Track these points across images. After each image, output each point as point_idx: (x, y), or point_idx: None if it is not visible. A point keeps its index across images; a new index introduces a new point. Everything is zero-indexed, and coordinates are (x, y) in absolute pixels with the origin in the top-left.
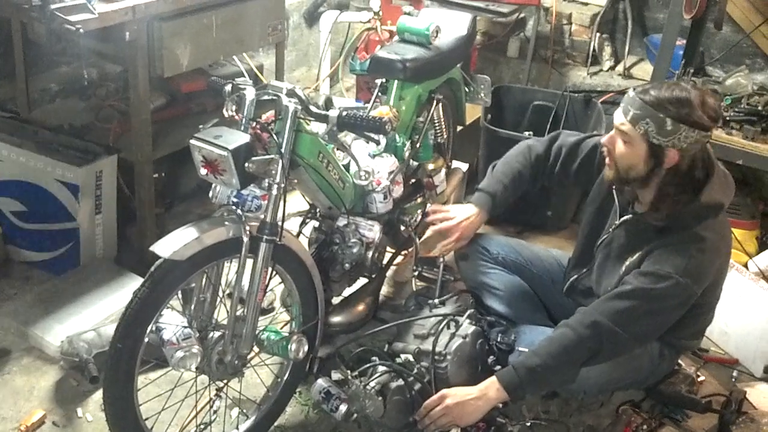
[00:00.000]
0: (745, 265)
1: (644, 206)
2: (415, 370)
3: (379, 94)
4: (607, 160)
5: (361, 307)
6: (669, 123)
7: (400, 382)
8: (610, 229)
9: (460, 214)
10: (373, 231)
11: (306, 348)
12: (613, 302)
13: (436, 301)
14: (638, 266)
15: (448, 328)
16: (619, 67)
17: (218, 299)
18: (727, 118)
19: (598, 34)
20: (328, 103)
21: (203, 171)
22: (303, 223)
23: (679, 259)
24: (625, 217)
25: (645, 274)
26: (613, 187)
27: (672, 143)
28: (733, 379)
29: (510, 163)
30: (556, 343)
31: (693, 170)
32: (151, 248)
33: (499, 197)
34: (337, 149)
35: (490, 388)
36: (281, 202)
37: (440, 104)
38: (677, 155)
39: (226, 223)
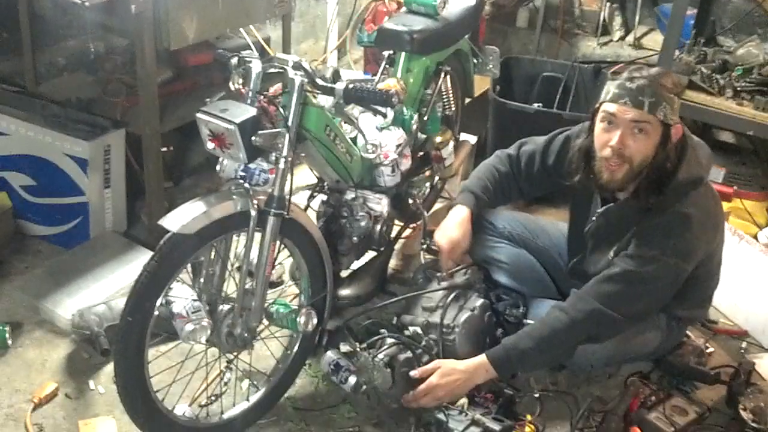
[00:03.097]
0: (755, 237)
1: (626, 193)
2: (424, 343)
3: (387, 66)
4: (613, 163)
5: (369, 281)
6: (676, 100)
7: (409, 354)
8: (593, 218)
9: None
10: (381, 204)
11: (315, 321)
12: (603, 285)
13: (445, 273)
14: (626, 248)
15: (456, 300)
16: (630, 38)
17: (227, 273)
18: (738, 89)
19: (608, 4)
20: (336, 76)
21: (210, 145)
22: (311, 197)
23: (664, 239)
24: (606, 206)
25: (632, 256)
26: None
27: (677, 118)
28: (742, 351)
29: (485, 164)
30: (548, 327)
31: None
32: (160, 222)
33: (480, 192)
34: (345, 122)
35: (480, 367)
36: (289, 176)
37: (448, 76)
38: (679, 128)
39: (234, 197)
